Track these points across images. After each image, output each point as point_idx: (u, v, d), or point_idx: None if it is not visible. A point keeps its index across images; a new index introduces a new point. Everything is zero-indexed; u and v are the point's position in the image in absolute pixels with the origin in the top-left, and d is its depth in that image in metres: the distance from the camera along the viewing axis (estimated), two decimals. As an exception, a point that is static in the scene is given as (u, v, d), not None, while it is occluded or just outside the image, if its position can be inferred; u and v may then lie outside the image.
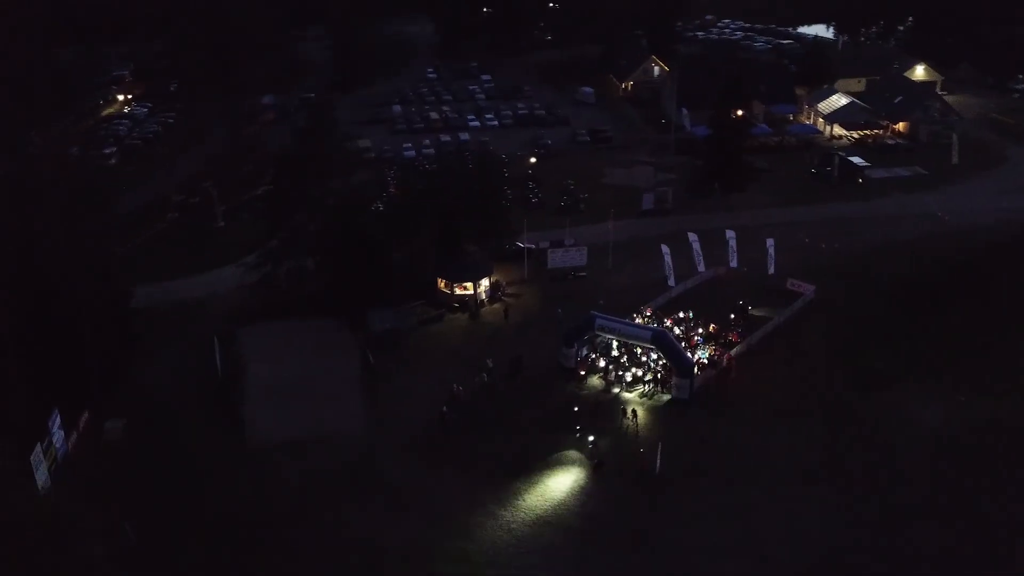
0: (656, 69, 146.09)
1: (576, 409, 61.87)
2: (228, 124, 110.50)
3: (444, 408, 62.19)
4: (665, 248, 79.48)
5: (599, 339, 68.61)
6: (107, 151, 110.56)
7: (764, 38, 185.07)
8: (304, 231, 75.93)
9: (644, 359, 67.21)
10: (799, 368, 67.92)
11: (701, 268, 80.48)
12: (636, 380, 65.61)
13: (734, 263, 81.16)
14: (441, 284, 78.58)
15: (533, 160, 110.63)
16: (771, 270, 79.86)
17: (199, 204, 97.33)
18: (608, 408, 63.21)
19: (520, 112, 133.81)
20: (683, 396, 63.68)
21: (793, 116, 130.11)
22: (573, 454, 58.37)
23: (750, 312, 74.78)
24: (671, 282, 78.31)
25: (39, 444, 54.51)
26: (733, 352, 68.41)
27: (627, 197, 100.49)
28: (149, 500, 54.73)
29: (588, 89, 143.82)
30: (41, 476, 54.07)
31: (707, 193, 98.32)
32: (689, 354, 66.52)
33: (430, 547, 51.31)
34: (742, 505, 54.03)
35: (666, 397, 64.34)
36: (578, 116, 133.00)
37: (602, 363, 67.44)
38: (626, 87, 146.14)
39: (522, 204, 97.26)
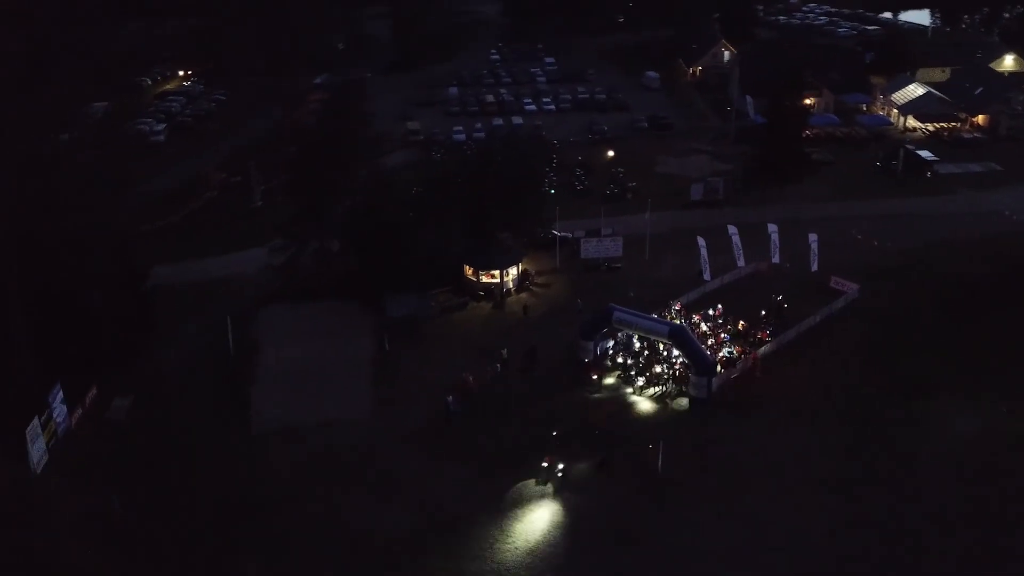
0: (726, 54, 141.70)
1: (555, 433, 56.98)
2: (276, 103, 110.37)
3: (449, 398, 60.48)
4: (701, 241, 76.12)
5: (619, 334, 65.96)
6: (157, 128, 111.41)
7: (849, 23, 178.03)
8: (329, 213, 74.94)
9: (666, 355, 64.34)
10: (829, 370, 64.14)
11: (741, 263, 76.99)
12: (650, 381, 62.70)
13: (776, 258, 77.42)
14: (468, 271, 76.75)
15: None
16: (814, 267, 75.93)
17: (239, 183, 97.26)
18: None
19: (580, 96, 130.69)
20: (701, 395, 60.72)
21: (865, 106, 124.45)
22: (575, 451, 55.77)
23: (785, 310, 71.05)
24: (706, 276, 75.12)
25: (37, 418, 54.48)
26: (760, 351, 65.06)
27: (678, 187, 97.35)
28: (143, 480, 54.12)
29: (653, 74, 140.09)
30: (38, 450, 54.11)
31: (762, 184, 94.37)
32: (715, 351, 63.63)
33: (420, 539, 49.70)
34: (746, 510, 51.02)
35: (684, 401, 61.36)
36: (640, 101, 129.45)
37: (620, 359, 64.82)
38: (694, 72, 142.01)
39: (569, 190, 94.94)
